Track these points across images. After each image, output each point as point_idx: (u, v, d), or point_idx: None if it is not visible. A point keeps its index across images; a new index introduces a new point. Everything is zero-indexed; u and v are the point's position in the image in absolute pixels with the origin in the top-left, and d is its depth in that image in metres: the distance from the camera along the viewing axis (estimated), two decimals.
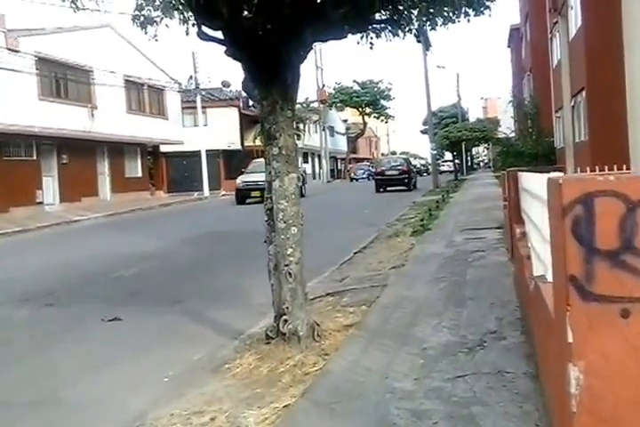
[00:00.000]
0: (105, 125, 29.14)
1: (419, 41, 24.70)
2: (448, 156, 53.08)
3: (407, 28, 7.10)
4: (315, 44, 6.50)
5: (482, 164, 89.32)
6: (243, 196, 28.51)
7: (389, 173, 33.98)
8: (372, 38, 7.17)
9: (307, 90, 76.74)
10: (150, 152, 37.84)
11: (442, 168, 71.34)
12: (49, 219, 23.80)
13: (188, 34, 6.04)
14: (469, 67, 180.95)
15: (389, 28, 7.12)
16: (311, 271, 10.66)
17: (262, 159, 24.60)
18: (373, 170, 56.63)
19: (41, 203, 26.93)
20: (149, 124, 33.68)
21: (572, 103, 22.08)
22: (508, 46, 59.12)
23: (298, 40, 5.89)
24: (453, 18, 6.80)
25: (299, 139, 55.42)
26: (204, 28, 5.69)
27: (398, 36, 7.26)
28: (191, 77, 36.36)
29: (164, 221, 23.21)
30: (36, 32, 25.33)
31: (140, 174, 35.00)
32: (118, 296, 9.26)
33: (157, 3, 6.30)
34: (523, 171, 9.60)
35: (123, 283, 10.39)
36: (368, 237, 13.92)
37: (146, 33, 6.65)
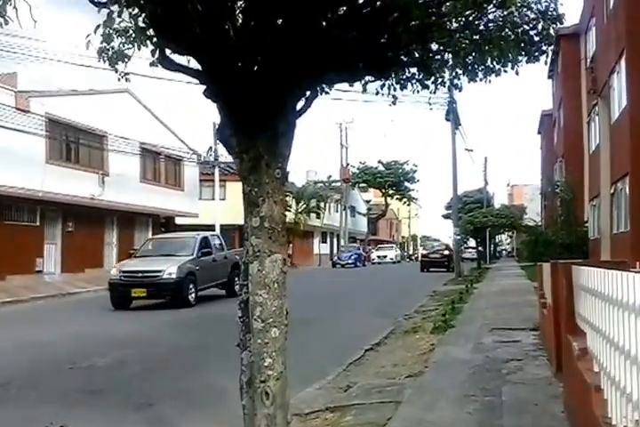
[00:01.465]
0: (116, 194, 28.02)
1: (447, 119, 23.75)
2: (471, 242, 51.22)
3: (439, 78, 5.62)
4: (319, 85, 5.02)
5: (504, 252, 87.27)
6: (120, 295, 17.50)
7: (433, 255, 38.83)
8: (394, 89, 5.70)
9: (330, 168, 76.31)
10: (163, 224, 36.56)
11: (464, 255, 69.30)
12: (46, 289, 22.27)
13: (153, 64, 4.58)
14: (497, 152, 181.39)
15: (417, 75, 5.65)
16: (313, 370, 9.05)
17: (164, 236, 22.04)
18: (365, 252, 56.97)
19: (40, 271, 25.50)
20: (163, 195, 32.53)
21: (612, 190, 20.58)
22: (539, 133, 58.43)
23: (297, 79, 4.44)
24: (498, 67, 5.31)
25: (318, 217, 54.94)
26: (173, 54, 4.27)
27: (427, 88, 5.76)
28: (210, 149, 35.46)
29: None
30: (48, 93, 24.59)
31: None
32: (80, 393, 7.69)
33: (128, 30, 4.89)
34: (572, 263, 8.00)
35: (91, 375, 8.88)
36: (382, 330, 12.19)
37: (116, 71, 5.20)
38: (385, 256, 59.10)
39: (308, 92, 4.73)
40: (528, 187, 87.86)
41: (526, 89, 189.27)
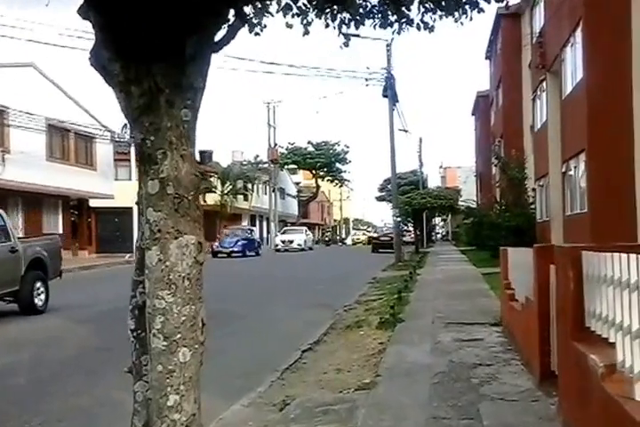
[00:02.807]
0: (19, 173, 25.86)
1: (385, 96, 22.52)
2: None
3: (406, 13, 4.41)
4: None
5: (439, 236, 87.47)
6: None
7: (383, 238, 43.77)
8: (348, 26, 4.44)
9: (257, 148, 74.67)
10: (76, 206, 34.40)
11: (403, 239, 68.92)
12: None
13: None
14: (430, 134, 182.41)
15: (379, 7, 4.41)
16: (241, 379, 7.44)
17: None
18: (257, 238, 54.90)
19: None
20: (74, 175, 30.41)
21: (563, 169, 19.80)
22: (473, 114, 58.12)
23: None
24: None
25: (246, 199, 53.37)
26: None
27: (391, 26, 4.55)
28: (125, 126, 33.29)
29: (78, 289, 19.75)
30: None
31: (60, 231, 31.37)
32: None
33: None
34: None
35: None
36: (321, 325, 10.92)
37: None
38: (291, 241, 48.57)
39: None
40: (461, 169, 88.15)
41: (461, 71, 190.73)
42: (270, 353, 8.88)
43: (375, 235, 56.82)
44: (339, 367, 7.72)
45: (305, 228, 55.75)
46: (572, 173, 19.08)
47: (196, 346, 3.15)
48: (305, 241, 49.86)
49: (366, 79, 25.25)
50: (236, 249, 36.92)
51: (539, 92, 24.12)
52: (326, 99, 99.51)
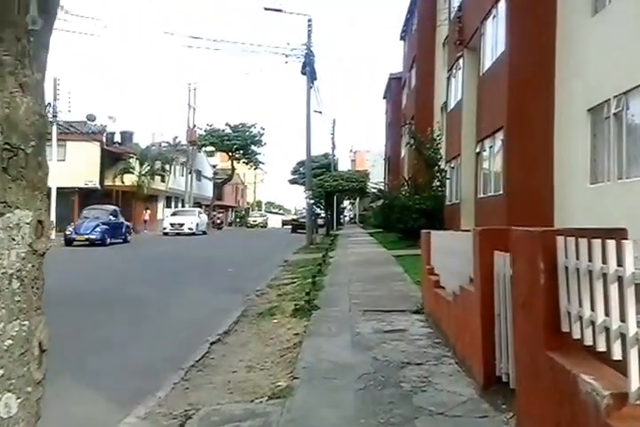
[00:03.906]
0: None
1: (303, 73, 21.15)
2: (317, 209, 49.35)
3: None
4: None
5: (347, 219, 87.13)
6: None
7: (301, 220, 43.69)
8: None
9: (177, 130, 71.92)
10: None
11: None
12: None
13: None
14: (340, 118, 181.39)
15: None
16: (139, 379, 5.94)
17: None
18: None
19: None
20: None
21: (478, 149, 18.98)
22: (384, 97, 57.40)
23: None
24: None
25: (163, 180, 51.21)
26: None
27: None
28: (49, 104, 31.01)
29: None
30: None
31: None
32: None
33: None
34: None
35: None
36: (231, 312, 9.69)
37: None
38: (181, 225, 41.79)
39: None
40: (370, 153, 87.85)
41: (375, 54, 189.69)
42: (175, 346, 7.63)
43: (295, 217, 58.68)
44: (250, 364, 6.56)
45: (198, 209, 48.82)
46: (486, 153, 18.24)
47: (29, 389, 1.94)
48: (198, 224, 43.31)
49: (286, 55, 23.92)
50: (93, 236, 28.09)
51: (454, 71, 23.08)
52: (248, 75, 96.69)
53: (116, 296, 11.70)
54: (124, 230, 31.23)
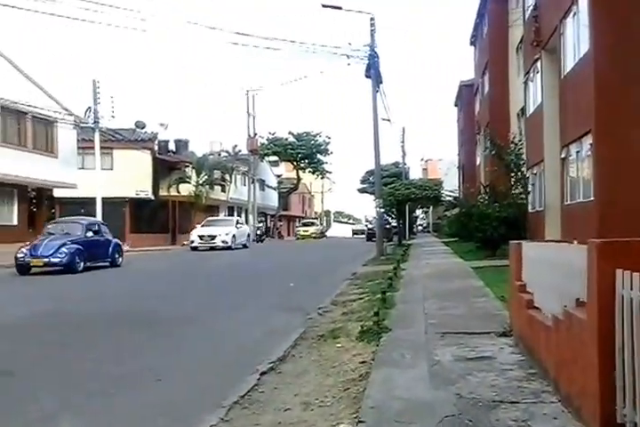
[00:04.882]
0: None
1: (367, 76, 20.29)
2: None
3: None
4: None
5: (420, 228, 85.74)
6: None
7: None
8: None
9: (237, 139, 72.18)
10: (35, 196, 31.98)
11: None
12: None
13: None
14: (410, 126, 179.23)
15: None
16: (167, 418, 5.03)
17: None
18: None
19: None
20: (31, 162, 27.94)
21: (563, 155, 17.84)
22: (456, 105, 56.27)
23: None
24: None
25: (223, 190, 51.01)
26: None
27: None
28: (89, 109, 30.96)
29: (22, 287, 17.66)
30: None
31: (15, 222, 28.98)
32: None
33: None
34: None
35: None
36: (288, 334, 8.85)
37: None
38: (213, 237, 34.86)
39: None
40: (443, 162, 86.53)
41: (444, 60, 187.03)
42: (218, 376, 6.83)
43: (371, 226, 56.25)
44: (307, 400, 5.71)
45: (237, 218, 42.44)
46: (573, 157, 17.15)
47: None
48: (234, 236, 35.82)
49: (348, 56, 23.09)
50: (56, 259, 20.46)
51: (532, 74, 22.19)
52: (307, 79, 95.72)
53: (153, 317, 11.07)
54: (110, 250, 23.17)
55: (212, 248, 33.80)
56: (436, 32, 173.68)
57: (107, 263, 22.90)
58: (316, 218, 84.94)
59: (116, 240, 24.03)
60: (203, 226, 36.52)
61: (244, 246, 36.87)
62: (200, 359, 7.68)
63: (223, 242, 34.58)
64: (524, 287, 7.26)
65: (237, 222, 38.27)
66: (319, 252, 33.23)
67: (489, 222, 21.07)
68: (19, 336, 9.37)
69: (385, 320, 8.81)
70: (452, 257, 22.59)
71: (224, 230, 35.35)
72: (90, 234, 22.24)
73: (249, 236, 39.78)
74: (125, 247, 34.29)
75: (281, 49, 26.12)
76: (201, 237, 34.99)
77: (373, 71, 23.87)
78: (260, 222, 58.25)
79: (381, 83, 24.97)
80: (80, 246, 21.06)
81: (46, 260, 20.32)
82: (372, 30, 23.90)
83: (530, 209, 22.19)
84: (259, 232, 52.39)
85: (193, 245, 34.93)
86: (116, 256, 23.60)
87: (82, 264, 20.93)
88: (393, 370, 6.29)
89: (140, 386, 6.48)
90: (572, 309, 4.76)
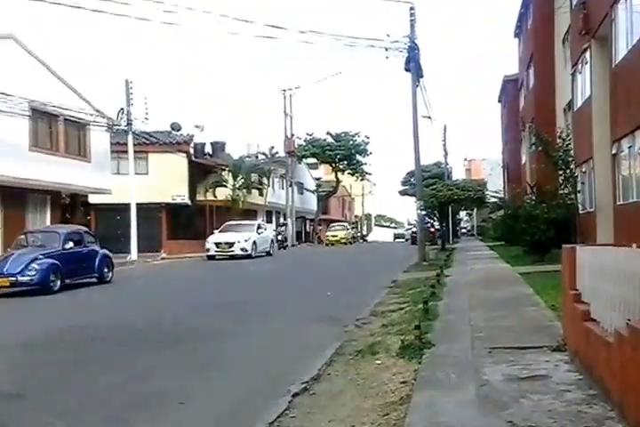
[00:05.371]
0: None
1: (407, 69, 19.66)
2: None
3: None
4: None
5: (464, 231, 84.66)
6: None
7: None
8: None
9: (274, 141, 72.08)
10: (69, 203, 31.92)
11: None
12: None
13: None
14: (453, 125, 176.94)
15: None
16: None
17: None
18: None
19: None
20: (64, 167, 27.76)
21: (614, 150, 17.13)
22: (499, 101, 55.41)
23: None
24: None
25: (261, 194, 50.66)
26: None
27: None
28: (122, 111, 30.75)
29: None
30: None
31: None
32: None
33: None
34: None
35: None
36: (323, 349, 8.42)
37: None
38: (230, 244, 31.75)
39: None
40: (486, 161, 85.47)
41: (487, 55, 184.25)
42: (245, 399, 6.44)
43: (415, 229, 54.77)
44: None
45: (259, 222, 38.89)
46: (625, 153, 16.45)
47: None
48: (255, 243, 32.66)
49: (386, 49, 22.48)
50: (25, 278, 17.43)
51: (580, 65, 21.47)
52: (343, 76, 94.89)
53: (181, 330, 10.71)
54: (97, 264, 19.88)
55: (232, 257, 31.10)
56: (478, 24, 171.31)
57: (93, 279, 19.78)
58: (348, 221, 78.21)
59: (104, 251, 20.71)
60: (220, 231, 33.75)
61: (268, 254, 34.29)
62: (227, 379, 7.30)
63: (242, 250, 31.58)
64: (578, 297, 6.75)
65: (259, 227, 34.79)
66: (357, 258, 32.74)
67: (537, 225, 20.35)
68: None
69: (427, 334, 8.34)
70: (498, 262, 21.94)
71: (243, 236, 32.19)
72: (69, 245, 18.92)
73: (273, 242, 36.66)
74: (162, 255, 34.24)
75: (315, 43, 25.42)
76: (217, 244, 31.98)
77: (413, 64, 23.26)
78: (280, 226, 52.99)
79: (422, 77, 24.37)
80: (56, 261, 18.01)
81: (13, 279, 17.15)
82: (411, 20, 23.29)
83: (580, 210, 21.43)
84: (280, 238, 47.30)
85: (209, 253, 32.01)
86: (105, 271, 20.31)
87: (58, 282, 17.84)
88: (437, 392, 5.83)
89: (159, 411, 6.12)
90: (638, 323, 4.27)
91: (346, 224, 65.81)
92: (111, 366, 8.05)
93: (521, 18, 37.41)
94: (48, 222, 28.90)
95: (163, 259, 33.02)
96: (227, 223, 35.62)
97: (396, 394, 6.00)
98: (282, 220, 55.03)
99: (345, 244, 56.93)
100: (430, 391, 5.86)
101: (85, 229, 22.86)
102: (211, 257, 31.72)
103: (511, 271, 17.77)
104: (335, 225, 64.72)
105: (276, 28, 20.97)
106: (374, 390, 6.34)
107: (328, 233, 61.17)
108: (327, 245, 56.75)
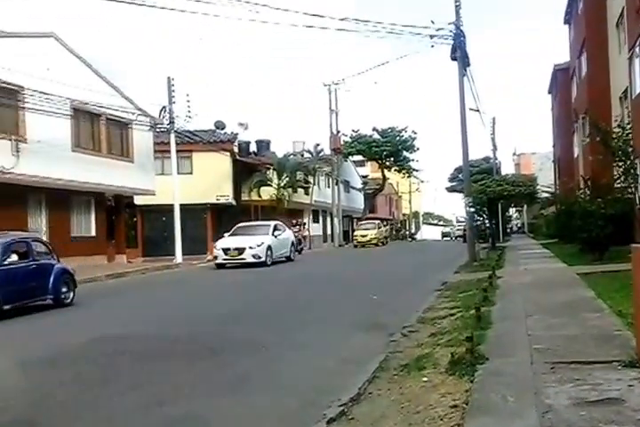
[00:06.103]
0: (39, 165, 23.21)
1: (453, 58, 18.60)
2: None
3: None
4: None
5: (514, 228, 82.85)
6: None
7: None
8: None
9: (320, 138, 71.26)
10: (116, 206, 31.67)
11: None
12: None
13: None
14: (501, 119, 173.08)
15: None
16: None
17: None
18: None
19: None
20: (106, 168, 27.45)
21: None
22: (549, 92, 53.79)
23: None
24: None
25: (307, 193, 49.78)
26: None
27: None
28: (164, 109, 30.23)
29: (90, 303, 16.64)
30: None
31: (93, 233, 28.54)
32: None
33: None
34: None
35: None
36: (366, 363, 7.67)
37: None
38: (241, 251, 26.67)
39: None
40: (536, 155, 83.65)
41: (534, 46, 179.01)
42: (277, 424, 5.73)
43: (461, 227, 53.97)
44: None
45: (275, 223, 30.64)
46: None
47: None
48: (270, 248, 27.33)
49: (431, 36, 21.56)
50: None
51: (637, 48, 20.26)
52: (387, 69, 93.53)
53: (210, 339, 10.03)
54: (50, 282, 15.26)
55: (245, 265, 26.14)
56: (525, 12, 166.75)
57: (48, 301, 15.18)
58: (381, 218, 68.53)
59: (61, 266, 15.94)
60: (231, 235, 28.78)
61: (288, 259, 29.52)
62: (258, 400, 6.57)
63: (254, 256, 26.42)
64: None
65: (275, 228, 29.09)
66: (405, 258, 31.60)
67: (593, 221, 19.25)
68: None
69: (480, 345, 7.52)
70: (554, 261, 20.87)
71: (255, 241, 26.86)
72: (12, 259, 14.31)
73: (293, 244, 31.09)
74: (208, 257, 33.35)
75: (358, 31, 24.49)
76: (226, 250, 26.94)
77: (460, 52, 22.27)
78: (295, 226, 43.51)
79: (469, 65, 23.34)
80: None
81: None
82: (456, 6, 22.29)
83: (638, 204, 20.26)
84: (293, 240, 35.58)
85: (218, 261, 27.32)
86: (63, 290, 15.52)
87: None
88: (492, 420, 5.04)
89: None
90: None
91: (377, 221, 56.52)
92: (135, 383, 7.42)
93: (571, 3, 36.15)
94: (93, 226, 28.66)
95: (209, 261, 32.33)
96: (238, 225, 30.42)
97: (445, 422, 5.22)
98: (299, 219, 49.66)
99: (376, 244, 49.47)
100: (485, 419, 5.08)
101: (37, 236, 19.31)
102: (220, 265, 27.08)
103: (568, 271, 16.76)
104: (364, 223, 56.14)
105: (317, 16, 20.12)
106: (420, 415, 5.56)
107: (356, 232, 52.62)
108: (356, 246, 49.49)
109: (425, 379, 6.69)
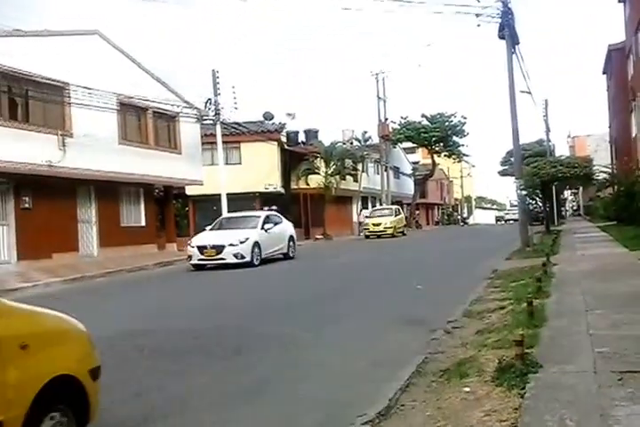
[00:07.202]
0: (86, 158, 22.81)
1: (501, 37, 16.99)
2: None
3: None
4: None
5: (570, 211, 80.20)
6: None
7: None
8: None
9: (369, 126, 69.62)
10: (164, 196, 31.23)
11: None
12: None
13: None
14: (554, 100, 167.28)
15: None
16: None
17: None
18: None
19: None
20: (154, 160, 27.01)
21: None
22: (604, 73, 51.44)
23: None
24: None
25: (355, 180, 48.76)
26: None
27: None
28: (209, 101, 29.68)
29: (135, 291, 16.43)
30: None
31: (143, 223, 28.08)
32: None
33: None
34: None
35: None
36: (401, 366, 6.58)
37: None
38: (220, 249, 20.96)
39: None
40: (591, 137, 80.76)
41: (588, 25, 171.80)
42: None
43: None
44: None
45: (266, 213, 25.09)
46: None
47: None
48: (257, 245, 21.62)
49: (477, 15, 20.13)
50: None
51: None
52: (433, 51, 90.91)
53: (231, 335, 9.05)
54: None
55: (224, 265, 20.87)
56: None
57: None
58: (396, 204, 52.82)
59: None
60: (212, 228, 23.50)
61: (285, 257, 23.70)
62: (274, 412, 5.58)
63: (236, 256, 20.93)
64: None
65: (266, 221, 23.07)
66: (453, 244, 30.08)
67: None
68: None
69: (532, 348, 6.36)
70: (613, 246, 19.25)
71: (238, 236, 21.33)
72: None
73: (292, 239, 24.56)
74: None
75: (396, 11, 23.24)
76: (202, 248, 21.18)
77: (508, 31, 20.77)
78: (269, 209, 31.53)
79: (517, 43, 21.76)
80: None
81: None
82: None
83: None
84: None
85: (193, 262, 21.38)
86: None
87: None
88: None
89: None
90: None
91: (395, 207, 46.42)
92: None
93: None
94: (143, 216, 28.26)
95: None
96: (223, 216, 26.47)
97: None
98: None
99: (392, 235, 40.05)
100: None
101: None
102: (197, 266, 21.33)
103: (630, 257, 15.30)
104: (378, 208, 47.19)
105: None
106: None
107: (368, 221, 42.54)
108: (367, 237, 40.98)
109: (467, 389, 5.58)
